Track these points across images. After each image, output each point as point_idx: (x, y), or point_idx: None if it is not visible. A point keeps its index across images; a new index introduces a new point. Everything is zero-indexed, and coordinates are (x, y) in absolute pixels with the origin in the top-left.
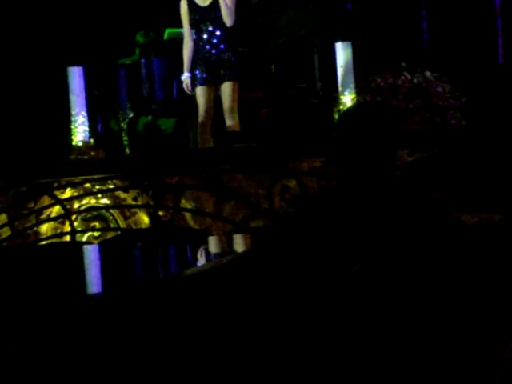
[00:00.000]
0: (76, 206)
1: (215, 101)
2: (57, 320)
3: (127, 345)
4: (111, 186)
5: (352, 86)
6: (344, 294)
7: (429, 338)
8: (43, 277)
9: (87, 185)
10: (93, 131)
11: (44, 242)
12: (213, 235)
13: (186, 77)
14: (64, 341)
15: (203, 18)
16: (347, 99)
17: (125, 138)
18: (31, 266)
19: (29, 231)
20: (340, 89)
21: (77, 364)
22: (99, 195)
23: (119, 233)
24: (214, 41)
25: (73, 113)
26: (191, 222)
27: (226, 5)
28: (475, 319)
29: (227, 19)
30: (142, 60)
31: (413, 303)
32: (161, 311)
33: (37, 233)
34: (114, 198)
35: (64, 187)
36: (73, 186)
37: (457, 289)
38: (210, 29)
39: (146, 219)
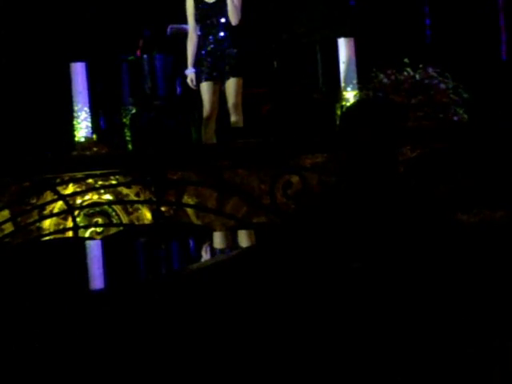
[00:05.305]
0: (78, 201)
1: (219, 97)
2: (59, 315)
3: (129, 340)
4: (114, 182)
5: (354, 82)
6: (346, 290)
7: (430, 334)
8: (46, 272)
9: (90, 180)
10: (95, 127)
11: (47, 238)
12: (215, 231)
13: (190, 71)
14: (66, 336)
15: (209, 13)
16: (350, 95)
17: (127, 133)
18: (34, 262)
19: (31, 227)
20: (342, 85)
21: (79, 359)
22: (102, 191)
23: (122, 228)
24: (219, 37)
25: (75, 108)
26: (193, 218)
27: (233, 2)
28: (478, 316)
29: (233, 17)
30: (145, 56)
31: (415, 300)
32: (163, 307)
33: (39, 228)
34: (117, 194)
35: (67, 183)
36: (75, 181)
37: (459, 285)
38: (215, 24)
39: (148, 215)
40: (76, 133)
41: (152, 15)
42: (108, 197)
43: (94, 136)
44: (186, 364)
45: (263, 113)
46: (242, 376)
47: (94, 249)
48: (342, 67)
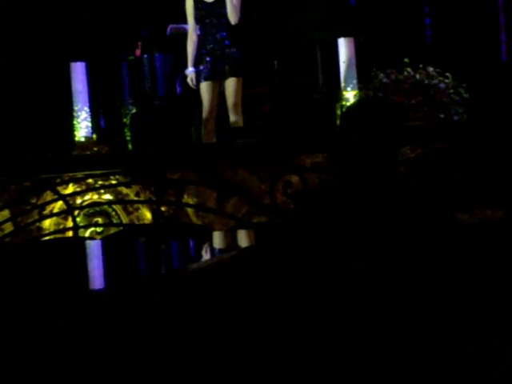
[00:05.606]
0: (78, 201)
1: (219, 96)
2: (59, 315)
3: (129, 340)
4: (114, 182)
5: (354, 81)
6: (346, 291)
7: (430, 336)
8: (46, 272)
9: (90, 180)
10: (95, 127)
11: (47, 238)
12: (215, 231)
13: (190, 71)
14: (66, 335)
15: (208, 13)
16: (350, 95)
17: (127, 133)
18: (34, 262)
19: (31, 227)
20: (342, 85)
21: (79, 359)
22: (102, 191)
23: (122, 228)
24: (219, 36)
25: (75, 108)
26: (194, 218)
27: (232, 2)
28: (478, 316)
29: (232, 17)
30: (145, 56)
31: (415, 300)
32: (163, 307)
33: (39, 228)
34: (117, 194)
35: (67, 183)
36: (75, 181)
37: (459, 285)
38: (215, 24)
39: (148, 215)
40: (76, 132)
41: (152, 15)
42: (108, 197)
43: (94, 136)
44: (186, 364)
45: (263, 112)
46: (242, 376)
47: (94, 249)
48: (342, 67)
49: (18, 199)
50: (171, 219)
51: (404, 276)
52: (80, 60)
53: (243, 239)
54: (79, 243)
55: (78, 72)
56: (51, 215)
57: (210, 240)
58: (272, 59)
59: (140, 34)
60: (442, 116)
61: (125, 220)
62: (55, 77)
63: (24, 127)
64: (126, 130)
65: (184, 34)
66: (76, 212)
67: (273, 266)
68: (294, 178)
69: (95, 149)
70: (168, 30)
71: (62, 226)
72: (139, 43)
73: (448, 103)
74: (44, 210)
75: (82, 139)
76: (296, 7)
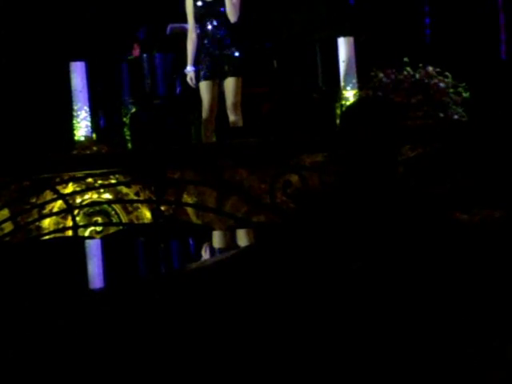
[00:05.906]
0: (78, 200)
1: (218, 96)
2: (59, 314)
3: (129, 339)
4: (113, 181)
5: (354, 81)
6: (346, 290)
7: (429, 336)
8: (45, 271)
9: (89, 179)
10: (95, 126)
11: (46, 237)
12: (215, 230)
13: (190, 70)
14: (66, 335)
15: (208, 12)
16: (349, 94)
17: (127, 132)
18: (34, 261)
19: (31, 226)
20: (342, 84)
21: (79, 358)
22: (101, 190)
23: (121, 228)
24: (218, 36)
25: (75, 108)
26: (193, 217)
27: (231, 0)
28: (477, 316)
29: (231, 16)
30: (144, 55)
31: (415, 300)
32: (163, 306)
33: (39, 227)
34: (116, 193)
35: (66, 182)
36: (75, 180)
37: (459, 285)
38: (215, 23)
39: (148, 214)
40: (76, 132)
41: (152, 15)
42: (108, 196)
43: (94, 135)
44: (186, 363)
45: (263, 112)
46: (241, 376)
47: (94, 248)
48: (342, 66)
49: (18, 198)
50: (171, 219)
51: (404, 276)
52: (80, 60)
53: (243, 239)
54: (79, 242)
55: (78, 71)
56: (51, 214)
57: (209, 239)
58: (272, 59)
59: (136, 35)
60: (441, 115)
61: (124, 219)
62: (55, 76)
63: (24, 126)
64: (125, 130)
65: (184, 34)
66: (76, 211)
67: (273, 266)
68: (294, 178)
69: (95, 148)
70: (168, 29)
71: (61, 226)
72: (135, 45)
73: (448, 103)
74: (44, 209)
75: (82, 138)
76: (296, 7)
